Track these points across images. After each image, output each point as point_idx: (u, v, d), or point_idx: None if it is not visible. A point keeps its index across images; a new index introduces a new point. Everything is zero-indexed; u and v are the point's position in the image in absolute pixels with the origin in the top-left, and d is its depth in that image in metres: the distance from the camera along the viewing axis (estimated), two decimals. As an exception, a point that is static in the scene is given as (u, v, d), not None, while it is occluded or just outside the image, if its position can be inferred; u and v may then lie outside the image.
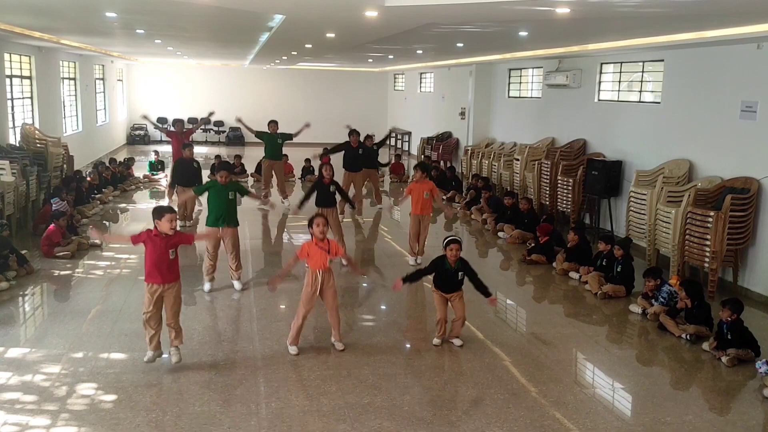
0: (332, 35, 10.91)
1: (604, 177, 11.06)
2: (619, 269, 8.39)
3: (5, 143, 12.00)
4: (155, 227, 5.69)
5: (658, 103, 10.57)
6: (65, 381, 5.57)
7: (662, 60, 10.43)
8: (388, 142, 13.23)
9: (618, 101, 11.84)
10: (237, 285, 8.17)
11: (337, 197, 9.48)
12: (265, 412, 5.14)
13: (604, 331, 7.47)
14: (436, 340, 6.66)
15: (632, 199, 9.81)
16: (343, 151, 12.57)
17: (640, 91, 11.31)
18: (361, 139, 12.83)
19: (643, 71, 11.22)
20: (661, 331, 7.15)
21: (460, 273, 6.50)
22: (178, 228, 5.85)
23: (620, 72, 11.85)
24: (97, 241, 9.71)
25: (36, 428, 4.82)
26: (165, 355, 5.92)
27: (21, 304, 7.72)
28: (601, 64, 12.22)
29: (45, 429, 4.81)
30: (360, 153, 12.49)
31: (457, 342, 6.66)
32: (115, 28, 11.12)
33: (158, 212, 5.70)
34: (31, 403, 5.19)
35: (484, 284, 6.55)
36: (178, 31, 11.89)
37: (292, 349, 6.23)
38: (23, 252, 8.81)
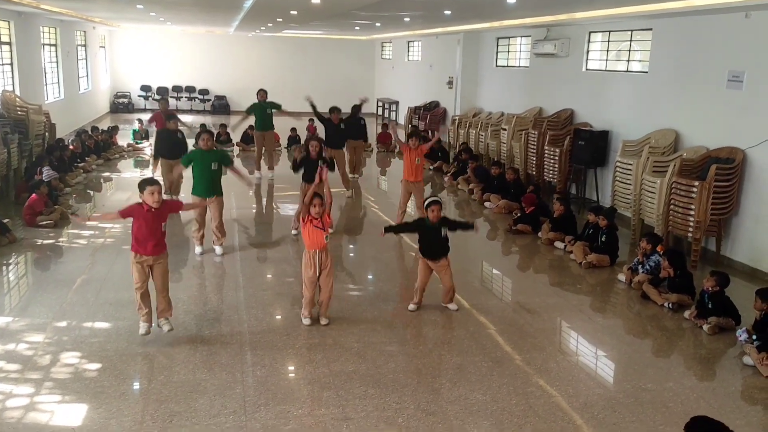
0: (317, 1, 10.73)
1: (590, 147, 11.06)
2: (603, 239, 8.44)
3: (-15, 110, 11.79)
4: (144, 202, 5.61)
5: (646, 72, 10.53)
6: (49, 350, 5.55)
7: (650, 29, 10.37)
8: (359, 113, 12.91)
9: (606, 71, 11.79)
10: (218, 250, 8.31)
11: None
12: (251, 380, 5.16)
13: (588, 300, 7.52)
14: (411, 306, 6.72)
15: (618, 169, 9.82)
16: (325, 128, 12.37)
17: (628, 61, 11.26)
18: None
19: (631, 40, 11.15)
20: (644, 300, 7.21)
21: (443, 229, 6.53)
22: (163, 197, 5.76)
23: (608, 41, 11.78)
24: (82, 222, 9.48)
25: (19, 397, 4.80)
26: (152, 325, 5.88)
27: (4, 273, 7.65)
28: (590, 33, 12.14)
29: (29, 397, 4.80)
30: (342, 128, 12.33)
31: (452, 306, 6.74)
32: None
33: (141, 185, 5.64)
34: (15, 371, 5.17)
35: (465, 222, 6.65)
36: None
37: (306, 321, 6.21)
38: (5, 221, 8.71)
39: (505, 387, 5.21)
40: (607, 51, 11.85)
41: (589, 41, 12.22)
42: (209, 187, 7.96)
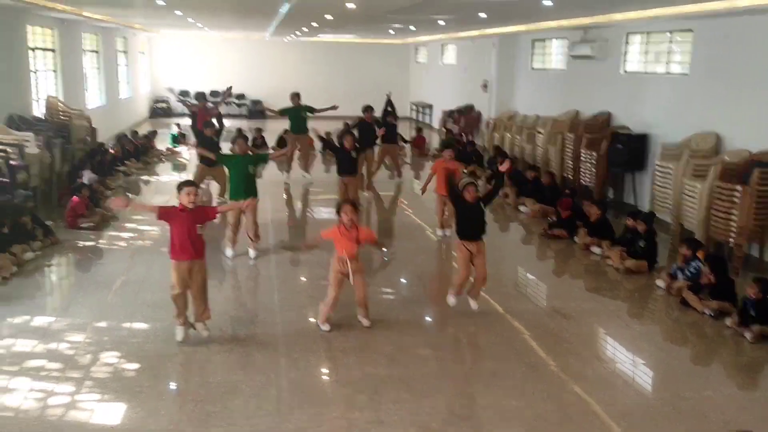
0: (352, 5, 10.78)
1: (628, 150, 10.88)
2: (642, 244, 8.29)
3: (29, 115, 12.11)
4: (180, 203, 5.70)
5: (686, 74, 10.33)
6: (89, 349, 5.67)
7: (691, 30, 10.17)
8: (390, 109, 12.91)
9: (645, 73, 11.59)
10: (252, 253, 8.35)
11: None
12: (285, 382, 5.20)
13: (625, 306, 7.41)
14: (451, 299, 6.65)
15: (657, 172, 9.65)
16: (358, 129, 12.45)
17: (668, 63, 11.05)
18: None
19: (670, 42, 10.95)
20: (684, 307, 7.06)
21: (481, 203, 6.51)
22: (202, 199, 5.84)
23: (647, 43, 11.59)
24: (119, 210, 9.66)
25: (60, 395, 4.92)
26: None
27: (46, 274, 7.85)
28: (628, 34, 11.96)
29: (69, 396, 4.91)
30: (374, 128, 12.37)
31: (473, 305, 6.65)
32: (136, -1, 11.11)
33: (179, 186, 5.72)
34: (56, 370, 5.30)
35: (494, 186, 6.81)
36: (198, 2, 11.85)
37: (324, 327, 6.19)
38: (48, 223, 8.94)
39: (540, 393, 5.15)
40: (646, 53, 11.66)
41: (627, 43, 12.03)
42: (246, 191, 8.05)
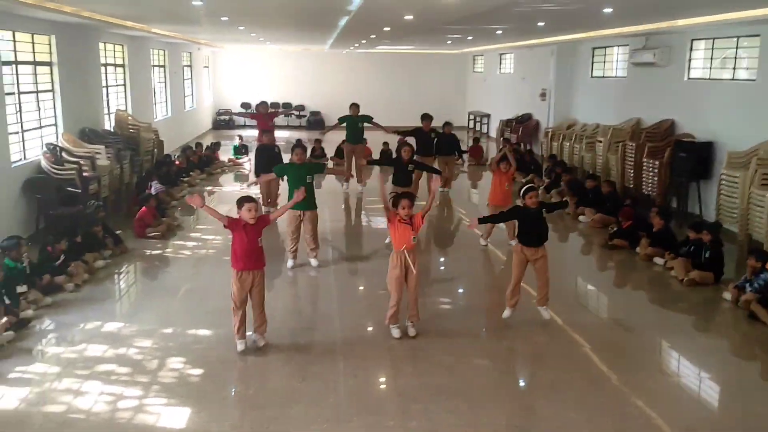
0: (410, 17, 10.87)
1: (693, 159, 10.60)
2: (707, 255, 8.04)
3: (101, 129, 12.66)
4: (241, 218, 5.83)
5: (754, 80, 10.00)
6: (156, 355, 5.89)
7: (758, 35, 9.84)
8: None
9: (709, 79, 11.27)
10: (314, 262, 8.45)
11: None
12: (343, 390, 5.27)
13: (690, 319, 7.21)
14: (506, 313, 6.59)
15: (723, 181, 9.36)
16: (415, 138, 12.50)
17: (734, 68, 10.72)
18: (433, 124, 12.67)
19: (737, 47, 10.63)
20: (752, 320, 6.81)
21: (543, 210, 6.48)
22: (262, 212, 5.98)
23: (712, 48, 11.27)
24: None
25: (129, 398, 5.12)
26: (248, 333, 6.10)
27: (116, 281, 8.18)
28: (692, 40, 11.66)
29: (137, 399, 5.11)
30: (432, 138, 12.41)
31: (544, 314, 6.57)
32: (201, 15, 11.49)
33: (239, 202, 5.85)
34: (125, 374, 5.52)
35: (560, 202, 6.78)
36: (260, 17, 12.17)
37: (395, 332, 6.23)
38: (117, 232, 9.31)
39: (601, 407, 5.07)
40: (711, 59, 11.34)
41: (691, 49, 11.73)
42: (304, 201, 8.15)
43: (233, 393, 5.28)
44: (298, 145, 8.51)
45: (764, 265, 7.24)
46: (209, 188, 14.03)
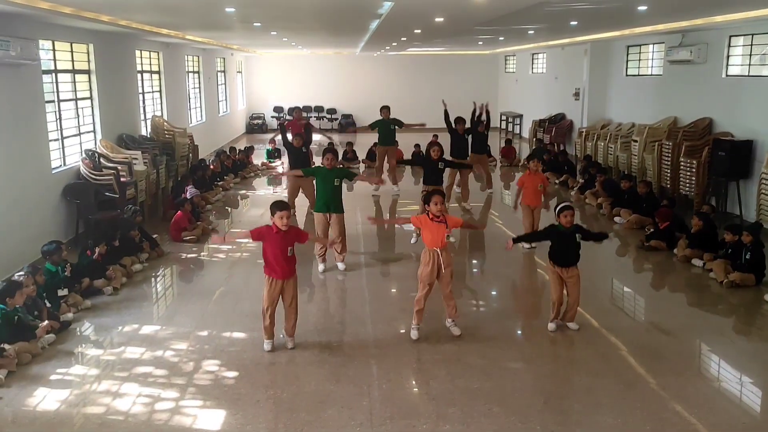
0: (441, 19, 10.85)
1: (732, 158, 10.37)
2: (747, 256, 7.85)
3: (138, 134, 12.89)
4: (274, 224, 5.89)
5: (795, 76, 9.75)
6: (192, 357, 5.97)
7: (800, 30, 9.60)
8: (482, 120, 12.75)
9: (748, 76, 11.01)
10: (341, 266, 8.49)
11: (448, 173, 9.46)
12: (377, 393, 5.27)
13: (730, 322, 7.04)
14: (551, 326, 6.50)
15: (764, 181, 9.14)
16: (450, 139, 12.47)
17: (775, 65, 10.47)
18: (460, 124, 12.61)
19: (777, 43, 10.37)
20: (796, 324, 6.65)
21: (577, 235, 6.35)
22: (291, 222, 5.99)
23: (751, 45, 11.01)
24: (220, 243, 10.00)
25: (166, 400, 5.20)
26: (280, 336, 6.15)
27: (153, 285, 8.32)
28: (730, 37, 11.41)
29: (174, 401, 5.19)
30: (466, 139, 12.38)
31: (572, 326, 6.50)
32: (234, 22, 11.63)
33: (272, 209, 5.91)
34: (162, 377, 5.60)
35: (599, 233, 6.59)
36: (292, 22, 12.26)
37: (413, 333, 6.24)
38: (154, 236, 9.47)
39: (639, 412, 4.98)
40: (750, 55, 11.07)
41: (729, 45, 11.48)
42: (330, 204, 8.23)
43: (267, 395, 5.32)
44: (329, 149, 8.53)
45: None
46: (243, 192, 14.17)
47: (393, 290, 8.04)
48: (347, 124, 26.14)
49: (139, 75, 13.58)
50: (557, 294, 6.43)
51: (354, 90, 26.54)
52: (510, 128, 24.74)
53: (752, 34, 10.89)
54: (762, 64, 10.80)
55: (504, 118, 25.53)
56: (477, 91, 26.21)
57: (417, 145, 17.41)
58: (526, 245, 9.36)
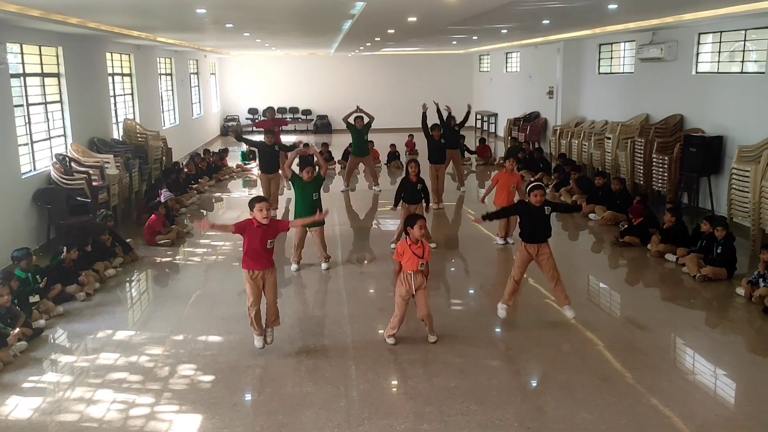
0: (414, 19, 10.86)
1: (703, 154, 10.53)
2: (719, 250, 7.97)
3: (109, 138, 12.72)
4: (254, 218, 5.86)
5: (763, 73, 9.91)
6: (167, 362, 5.90)
7: (766, 27, 9.76)
8: (468, 120, 12.81)
9: (718, 73, 11.19)
10: (324, 265, 8.57)
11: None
12: (355, 394, 5.25)
13: (703, 315, 7.14)
14: (501, 308, 6.56)
15: (734, 176, 9.28)
16: (427, 144, 12.48)
17: (743, 61, 10.64)
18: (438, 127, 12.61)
19: (745, 40, 10.54)
20: (766, 316, 6.75)
21: (546, 208, 6.41)
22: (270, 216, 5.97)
23: (720, 42, 11.19)
24: (201, 231, 10.06)
25: (141, 406, 5.13)
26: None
27: (127, 289, 8.20)
28: (699, 34, 11.58)
29: (149, 407, 5.12)
30: (443, 143, 12.41)
31: (568, 313, 6.49)
32: (206, 23, 11.52)
33: (251, 203, 5.90)
34: (137, 382, 5.53)
35: (570, 204, 6.56)
36: (265, 23, 12.18)
37: (390, 340, 6.21)
38: (128, 240, 9.34)
39: (614, 406, 5.02)
40: (719, 52, 11.25)
41: (698, 43, 11.65)
42: (309, 216, 8.16)
43: (244, 399, 5.27)
44: (309, 163, 8.55)
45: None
46: (218, 194, 14.06)
47: (371, 290, 8.03)
48: (322, 126, 26.10)
49: (110, 78, 13.41)
50: (518, 273, 6.48)
51: (329, 91, 26.47)
52: (485, 127, 24.86)
53: (721, 32, 11.07)
54: (731, 61, 10.98)
55: (479, 117, 25.66)
56: (452, 91, 26.37)
57: (393, 145, 17.44)
58: (501, 241, 9.43)
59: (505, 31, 14.70)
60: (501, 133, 22.20)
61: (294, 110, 26.78)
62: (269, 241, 5.87)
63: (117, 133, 13.53)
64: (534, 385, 5.53)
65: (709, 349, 6.16)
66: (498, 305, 6.66)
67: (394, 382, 5.57)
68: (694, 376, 5.61)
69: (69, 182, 9.85)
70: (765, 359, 6.05)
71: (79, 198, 9.77)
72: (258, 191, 12.73)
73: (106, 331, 6.65)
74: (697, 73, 11.73)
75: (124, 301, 7.82)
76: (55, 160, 10.23)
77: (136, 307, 7.68)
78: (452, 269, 9.02)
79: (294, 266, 8.53)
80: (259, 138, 12.29)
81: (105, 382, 5.54)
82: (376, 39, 16.45)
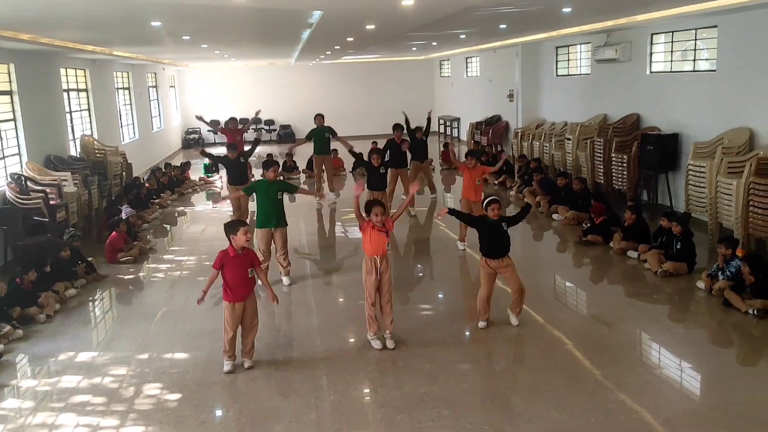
0: (372, 27, 10.90)
1: (660, 151, 10.74)
2: (679, 246, 8.13)
3: (66, 155, 12.46)
4: (230, 245, 5.71)
5: (714, 71, 10.17)
6: (132, 382, 5.77)
7: (716, 26, 10.03)
8: (431, 128, 12.94)
9: (671, 72, 11.45)
10: (285, 280, 8.31)
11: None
12: (325, 405, 5.21)
13: (666, 310, 7.27)
14: (481, 323, 6.58)
15: (691, 172, 9.49)
16: (389, 149, 12.47)
17: (694, 60, 10.91)
18: (403, 133, 12.63)
19: (696, 39, 10.81)
20: (727, 308, 6.89)
21: (503, 224, 6.44)
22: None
23: (672, 42, 11.45)
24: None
25: (106, 429, 5.00)
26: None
27: (89, 309, 8.01)
28: (652, 35, 11.83)
29: (115, 429, 4.99)
30: (424, 142, 12.55)
31: (514, 320, 6.57)
32: (162, 36, 11.38)
33: (233, 228, 5.71)
34: (101, 404, 5.39)
35: (521, 211, 6.69)
36: (222, 34, 12.10)
37: (375, 343, 6.19)
38: (89, 259, 9.14)
39: (584, 404, 5.07)
40: (672, 52, 11.52)
41: (651, 43, 11.91)
42: (273, 218, 8.07)
43: (212, 415, 5.18)
44: (273, 162, 8.43)
45: (735, 252, 7.34)
46: (181, 208, 13.87)
47: (339, 299, 7.98)
48: (286, 135, 25.98)
49: (65, 93, 13.15)
50: (485, 290, 6.49)
51: (291, 100, 26.36)
52: (448, 132, 25.01)
53: (672, 32, 11.33)
54: (683, 60, 11.24)
55: (442, 122, 25.81)
56: (414, 97, 26.50)
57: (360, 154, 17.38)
58: (461, 246, 9.47)
59: (463, 36, 14.83)
60: (464, 137, 22.36)
61: (256, 121, 26.56)
62: (249, 270, 5.75)
63: (74, 150, 13.26)
64: (505, 386, 5.55)
65: (673, 343, 6.26)
66: (478, 323, 6.64)
67: (366, 391, 5.53)
68: (661, 371, 5.70)
69: (25, 202, 9.61)
70: (727, 350, 6.18)
71: (36, 218, 9.53)
72: (226, 205, 12.56)
73: (68, 353, 6.48)
74: (651, 72, 11.98)
75: (87, 322, 7.63)
76: (9, 179, 9.97)
77: (99, 327, 7.51)
78: (420, 274, 9.03)
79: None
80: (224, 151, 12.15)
81: (68, 405, 5.39)
82: (336, 47, 16.45)
